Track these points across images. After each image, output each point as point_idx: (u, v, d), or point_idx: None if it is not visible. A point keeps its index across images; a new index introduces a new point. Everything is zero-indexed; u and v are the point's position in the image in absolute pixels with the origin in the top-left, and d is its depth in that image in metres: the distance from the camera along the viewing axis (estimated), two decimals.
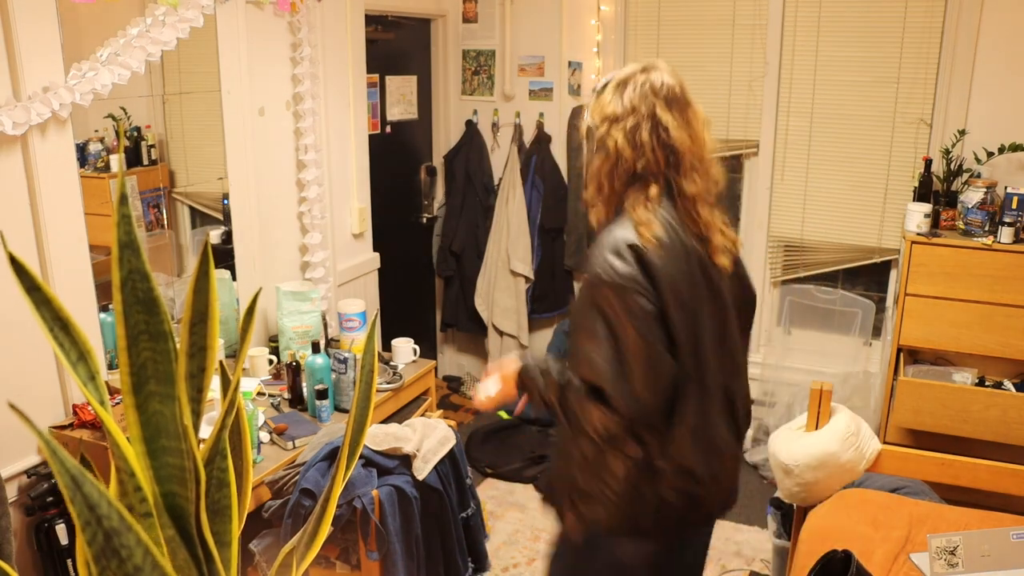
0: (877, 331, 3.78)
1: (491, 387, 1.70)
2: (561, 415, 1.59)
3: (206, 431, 1.94)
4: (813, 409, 2.38)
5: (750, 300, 1.78)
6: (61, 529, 2.18)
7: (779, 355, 3.88)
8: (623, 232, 1.55)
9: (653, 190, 1.58)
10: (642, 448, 1.58)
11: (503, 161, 4.19)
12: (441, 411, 3.08)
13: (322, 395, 2.56)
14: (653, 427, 1.57)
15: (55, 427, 2.29)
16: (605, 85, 1.66)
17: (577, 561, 1.76)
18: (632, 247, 1.52)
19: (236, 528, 1.24)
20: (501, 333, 4.21)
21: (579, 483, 1.64)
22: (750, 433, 3.86)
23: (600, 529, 1.66)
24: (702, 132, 1.65)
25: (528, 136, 4.14)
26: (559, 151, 4.10)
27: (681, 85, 1.66)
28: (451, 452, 2.37)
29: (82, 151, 2.38)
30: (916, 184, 3.32)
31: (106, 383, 1.24)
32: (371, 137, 3.64)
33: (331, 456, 2.21)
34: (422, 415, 2.74)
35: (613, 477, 1.60)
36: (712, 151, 1.66)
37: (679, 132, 1.59)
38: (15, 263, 1.04)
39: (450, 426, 2.44)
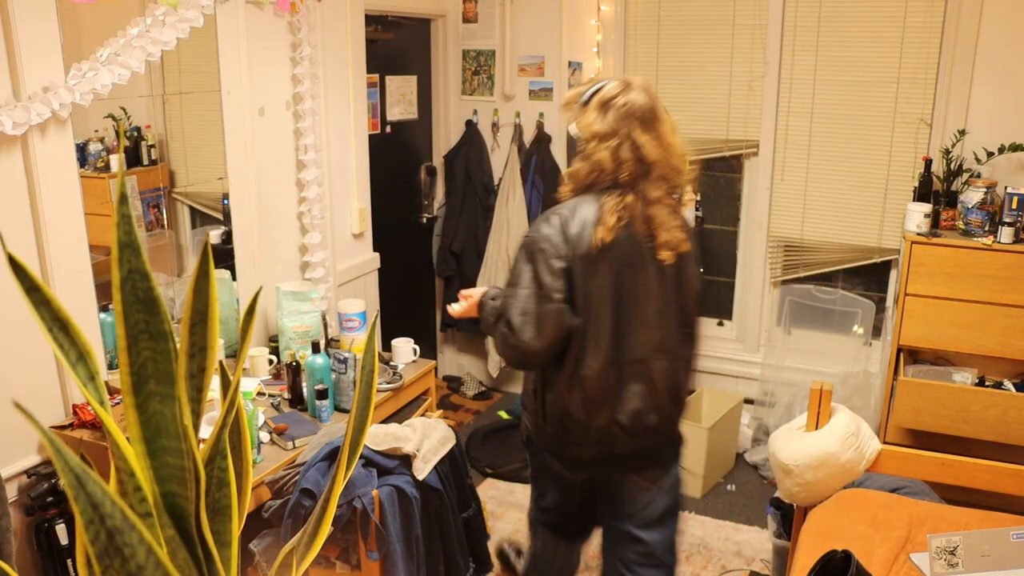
0: (877, 331, 3.78)
1: (462, 304, 2.16)
2: (493, 337, 2.02)
3: (206, 431, 1.94)
4: (813, 409, 2.38)
5: (688, 294, 2.06)
6: (61, 529, 2.18)
7: (779, 355, 3.88)
8: (561, 206, 1.96)
9: (629, 198, 1.92)
10: (542, 384, 2.03)
11: (503, 161, 4.19)
12: (441, 411, 3.08)
13: (322, 395, 2.56)
14: (550, 367, 1.98)
15: (55, 427, 2.29)
16: (589, 99, 1.97)
17: (528, 458, 2.30)
18: (560, 216, 1.93)
19: (236, 528, 1.24)
20: None
21: (523, 402, 2.16)
22: (750, 433, 3.86)
23: (532, 438, 2.17)
24: (673, 141, 1.97)
25: (528, 136, 4.14)
26: (559, 151, 4.10)
27: (653, 102, 1.96)
28: (451, 452, 2.38)
29: (82, 151, 2.38)
30: (916, 184, 3.32)
31: (106, 383, 1.24)
32: (371, 137, 3.64)
33: (331, 456, 2.21)
34: (422, 415, 2.74)
35: (528, 398, 2.12)
36: (683, 156, 1.99)
37: (653, 149, 1.91)
38: (15, 263, 1.04)
39: (450, 426, 2.44)
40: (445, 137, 4.34)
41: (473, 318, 2.17)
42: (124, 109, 2.57)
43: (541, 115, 4.11)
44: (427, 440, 2.32)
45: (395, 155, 4.04)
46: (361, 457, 2.20)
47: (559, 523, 2.35)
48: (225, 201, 2.88)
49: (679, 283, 2.01)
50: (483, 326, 2.08)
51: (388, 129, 3.96)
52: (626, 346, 1.96)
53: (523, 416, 2.19)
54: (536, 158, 4.08)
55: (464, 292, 2.19)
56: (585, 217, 1.92)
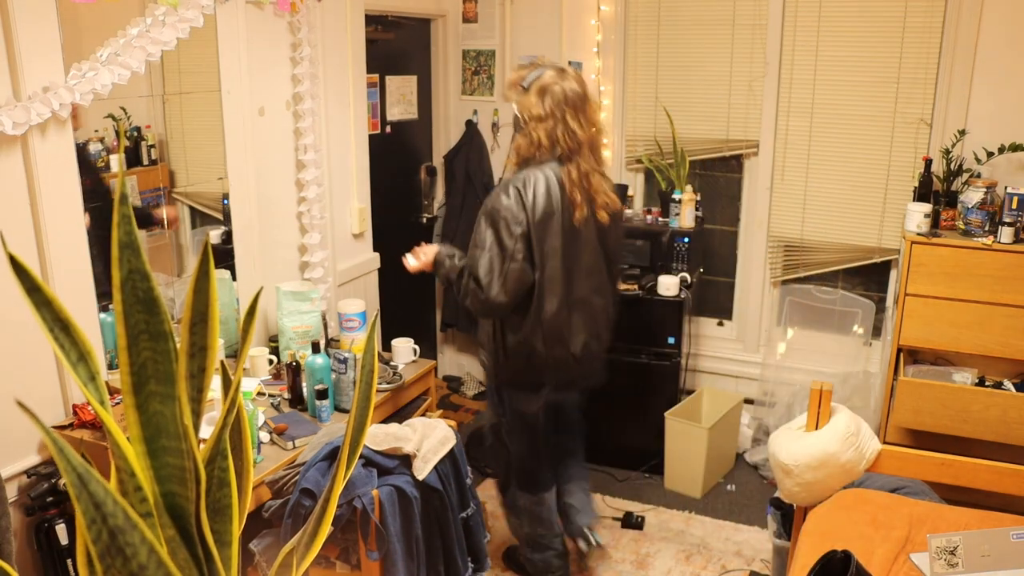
0: (877, 331, 3.78)
1: (415, 261, 2.51)
2: (455, 290, 2.40)
3: (206, 431, 1.94)
4: (813, 409, 2.38)
5: (617, 245, 2.63)
6: (61, 529, 2.18)
7: (779, 355, 3.88)
8: (515, 179, 2.33)
9: (574, 172, 2.35)
10: (501, 326, 2.45)
11: (503, 161, 4.19)
12: (441, 411, 3.08)
13: (322, 395, 2.56)
14: (512, 312, 2.38)
15: (55, 427, 2.30)
16: (530, 85, 2.34)
17: (490, 397, 2.75)
18: (516, 188, 2.30)
19: (236, 528, 1.24)
20: None
21: (481, 341, 2.60)
22: (750, 433, 3.87)
23: (491, 374, 2.60)
24: (597, 121, 2.42)
25: None
26: None
27: (583, 87, 2.37)
28: (451, 452, 2.37)
29: (82, 151, 2.38)
30: (916, 184, 3.32)
31: (106, 383, 1.24)
32: (371, 137, 3.64)
33: (331, 456, 2.21)
34: (422, 415, 2.74)
35: (487, 338, 2.52)
36: (603, 131, 2.53)
37: (582, 131, 2.34)
38: (15, 263, 1.04)
39: (450, 426, 2.44)
40: (445, 137, 4.34)
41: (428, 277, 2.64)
42: (124, 109, 2.57)
43: None
44: (427, 440, 2.32)
45: (395, 155, 4.04)
46: (361, 457, 2.20)
47: (528, 462, 2.74)
48: (225, 201, 2.88)
49: (608, 234, 2.51)
50: (440, 280, 2.46)
51: (388, 129, 3.96)
52: (574, 289, 2.43)
53: (481, 355, 2.61)
54: None
55: (418, 249, 2.51)
56: (536, 186, 2.32)
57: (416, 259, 2.52)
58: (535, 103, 2.33)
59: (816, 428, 2.38)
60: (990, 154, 3.23)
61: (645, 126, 3.99)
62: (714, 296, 4.14)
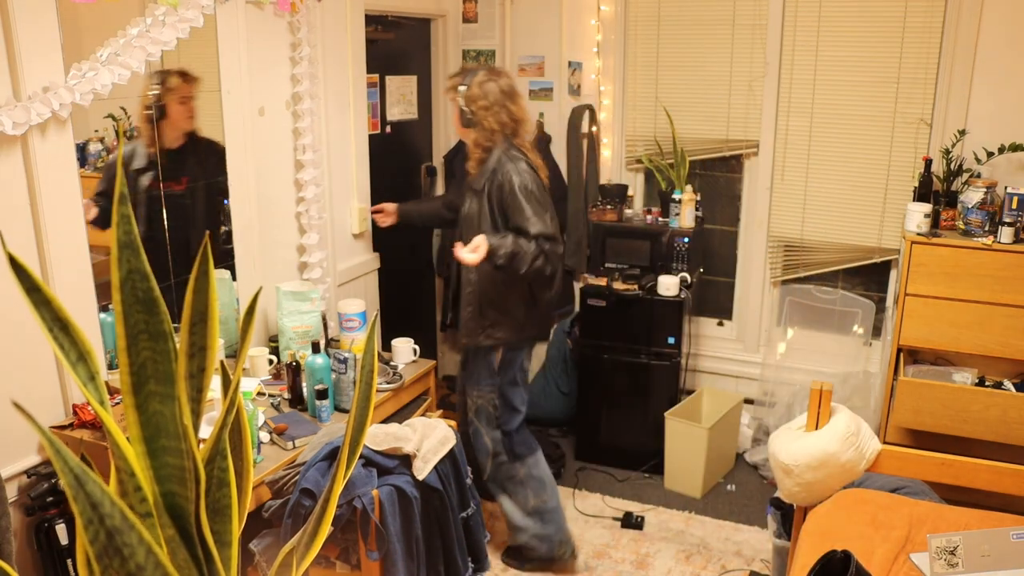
0: (877, 331, 3.78)
1: (471, 254, 2.59)
2: (519, 261, 2.61)
3: (206, 431, 1.94)
4: (813, 409, 2.38)
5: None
6: (61, 529, 2.18)
7: (779, 355, 3.88)
8: (517, 159, 2.72)
9: (525, 144, 2.80)
10: (529, 287, 2.79)
11: None
12: (441, 411, 3.08)
13: (322, 395, 2.56)
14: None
15: (55, 427, 2.29)
16: (470, 83, 2.72)
17: (480, 361, 2.89)
18: (524, 163, 2.72)
19: (236, 528, 1.24)
20: None
21: (491, 319, 2.81)
22: (750, 433, 3.87)
23: (510, 338, 2.84)
24: (525, 106, 2.86)
25: None
26: (559, 151, 4.10)
27: (512, 82, 2.82)
28: (451, 452, 2.38)
29: (82, 151, 2.38)
30: (916, 184, 3.32)
31: (106, 383, 1.24)
32: (371, 137, 3.64)
33: (331, 456, 2.21)
34: (422, 415, 2.74)
35: (514, 310, 2.80)
36: (529, 117, 2.87)
37: (520, 113, 2.79)
38: (15, 263, 1.04)
39: (450, 426, 2.44)
40: (445, 137, 4.34)
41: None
42: (124, 109, 2.56)
43: (541, 115, 4.11)
44: (427, 440, 2.32)
45: (395, 155, 4.04)
46: (361, 457, 2.20)
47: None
48: (225, 201, 2.88)
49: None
50: (503, 260, 2.59)
51: (388, 129, 3.95)
52: None
53: (495, 333, 2.80)
54: None
55: (472, 245, 2.59)
56: (526, 162, 2.72)
57: (474, 252, 2.60)
58: (479, 94, 2.70)
59: (816, 428, 2.38)
60: (990, 154, 3.23)
61: (645, 126, 4.00)
62: (714, 296, 4.14)
